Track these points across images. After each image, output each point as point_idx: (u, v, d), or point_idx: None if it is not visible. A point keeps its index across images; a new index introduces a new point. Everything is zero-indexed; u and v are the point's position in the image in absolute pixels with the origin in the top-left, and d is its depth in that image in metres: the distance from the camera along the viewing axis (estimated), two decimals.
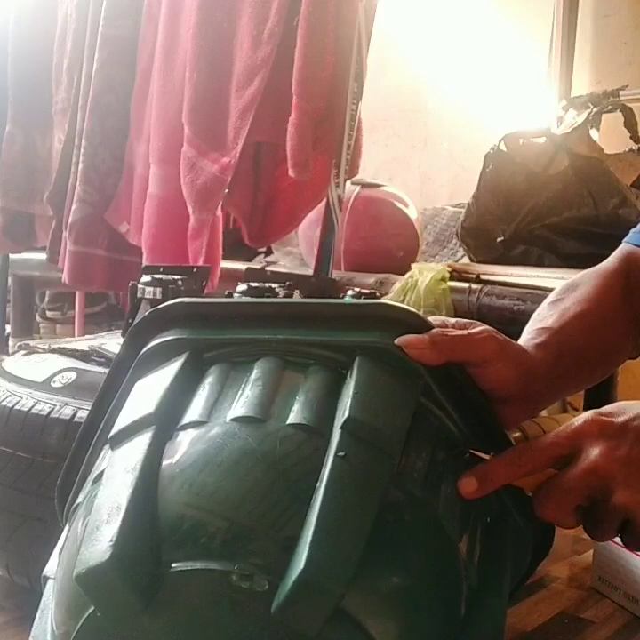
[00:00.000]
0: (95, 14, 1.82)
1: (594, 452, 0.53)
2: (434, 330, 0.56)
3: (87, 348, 1.19)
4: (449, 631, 0.51)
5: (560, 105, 2.18)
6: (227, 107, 1.58)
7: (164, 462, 0.50)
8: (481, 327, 0.59)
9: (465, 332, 0.58)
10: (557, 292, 0.74)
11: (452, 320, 0.61)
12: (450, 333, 0.56)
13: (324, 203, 1.55)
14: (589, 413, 0.56)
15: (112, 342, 1.23)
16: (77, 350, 1.19)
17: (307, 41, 1.43)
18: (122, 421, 0.54)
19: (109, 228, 1.83)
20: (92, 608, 0.47)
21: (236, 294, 1.20)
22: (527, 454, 0.55)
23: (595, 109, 1.93)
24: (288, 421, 0.50)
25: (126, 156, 1.83)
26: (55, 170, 1.94)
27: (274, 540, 0.46)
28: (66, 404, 1.06)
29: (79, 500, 0.55)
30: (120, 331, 1.32)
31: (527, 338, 0.66)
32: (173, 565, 0.46)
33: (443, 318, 0.61)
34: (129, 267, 1.81)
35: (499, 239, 1.73)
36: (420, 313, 0.58)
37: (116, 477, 0.50)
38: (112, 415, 0.57)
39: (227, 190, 1.60)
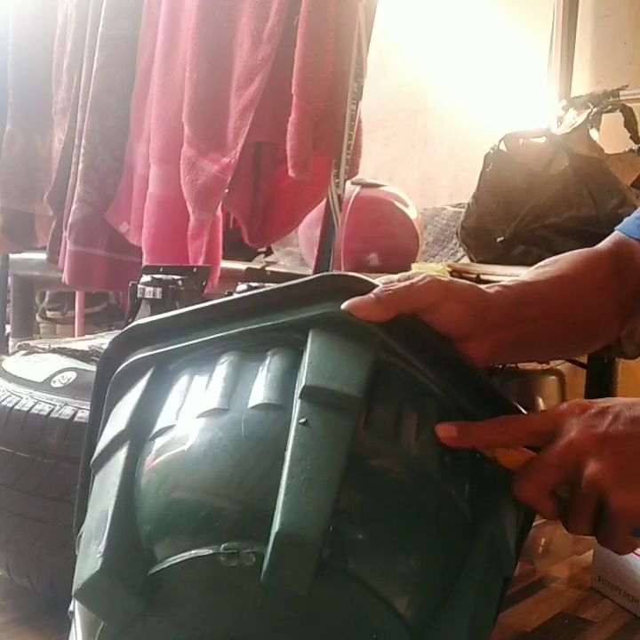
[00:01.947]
0: (95, 14, 1.82)
1: (572, 430, 0.54)
2: (377, 288, 0.58)
3: (87, 348, 1.19)
4: (450, 562, 0.51)
5: (560, 105, 2.18)
6: (227, 107, 1.58)
7: (142, 470, 0.51)
8: (422, 275, 0.60)
9: (407, 283, 0.59)
10: (542, 262, 0.74)
11: (396, 276, 0.62)
12: (392, 288, 0.58)
13: (324, 203, 1.55)
14: (575, 400, 0.57)
15: None
16: (77, 350, 1.19)
17: (307, 41, 1.43)
18: (100, 446, 0.56)
19: (109, 227, 1.83)
20: (103, 623, 0.49)
21: (235, 294, 1.20)
22: (509, 423, 0.56)
23: (595, 109, 1.93)
24: (249, 405, 0.52)
25: (126, 156, 1.83)
26: (55, 170, 1.94)
27: (251, 513, 0.47)
28: (66, 404, 1.06)
29: (81, 530, 0.57)
30: (120, 331, 1.32)
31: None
32: (166, 561, 0.47)
33: (388, 276, 0.62)
34: (129, 267, 1.81)
35: (499, 239, 1.73)
36: (364, 276, 0.60)
37: (99, 497, 0.52)
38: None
39: (227, 190, 1.60)
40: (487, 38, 2.67)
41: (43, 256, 2.02)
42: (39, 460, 1.05)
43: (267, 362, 0.55)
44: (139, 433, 0.54)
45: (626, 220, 0.82)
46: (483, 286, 0.65)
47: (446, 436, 0.55)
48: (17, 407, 1.08)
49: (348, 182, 1.60)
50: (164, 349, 0.58)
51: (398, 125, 2.85)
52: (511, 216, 1.72)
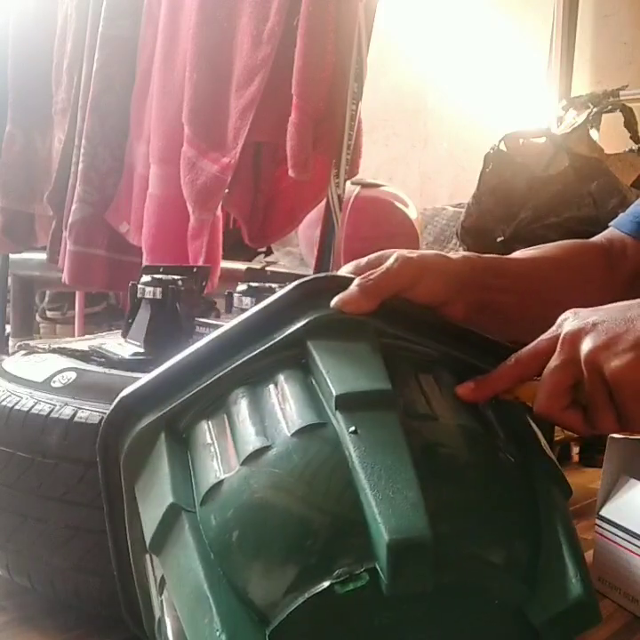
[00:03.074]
0: (95, 14, 1.82)
1: (566, 326, 0.56)
2: (356, 280, 0.60)
3: (87, 348, 1.19)
4: (529, 506, 0.53)
5: (560, 105, 2.18)
6: (227, 107, 1.58)
7: (213, 535, 0.50)
8: (393, 256, 0.63)
9: (383, 268, 0.62)
10: (534, 247, 0.77)
11: (364, 260, 0.65)
12: (372, 277, 0.61)
13: (324, 203, 1.55)
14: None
15: (112, 342, 1.23)
16: (77, 350, 1.18)
17: (307, 41, 1.43)
18: (150, 528, 0.54)
19: (109, 227, 1.83)
20: None
21: (235, 294, 1.20)
22: (518, 358, 0.59)
23: (595, 109, 1.93)
24: (290, 433, 0.51)
25: (126, 156, 1.83)
26: (55, 170, 1.94)
27: (344, 533, 0.47)
28: (66, 404, 1.06)
29: (157, 614, 0.56)
30: (120, 331, 1.32)
31: None
32: (282, 612, 0.46)
33: (354, 263, 0.65)
34: (129, 267, 1.81)
35: (499, 239, 1.73)
36: (336, 272, 0.63)
37: (180, 576, 0.50)
38: (132, 522, 0.58)
39: (227, 190, 1.60)
40: (487, 38, 2.67)
41: (43, 256, 2.02)
42: (39, 460, 1.05)
43: (281, 387, 0.55)
44: (187, 501, 0.52)
45: (620, 215, 0.83)
46: (451, 254, 0.68)
47: (467, 394, 0.57)
48: (17, 407, 1.08)
49: (348, 182, 1.60)
50: (170, 407, 0.57)
51: (398, 125, 2.85)
52: (511, 216, 1.72)
